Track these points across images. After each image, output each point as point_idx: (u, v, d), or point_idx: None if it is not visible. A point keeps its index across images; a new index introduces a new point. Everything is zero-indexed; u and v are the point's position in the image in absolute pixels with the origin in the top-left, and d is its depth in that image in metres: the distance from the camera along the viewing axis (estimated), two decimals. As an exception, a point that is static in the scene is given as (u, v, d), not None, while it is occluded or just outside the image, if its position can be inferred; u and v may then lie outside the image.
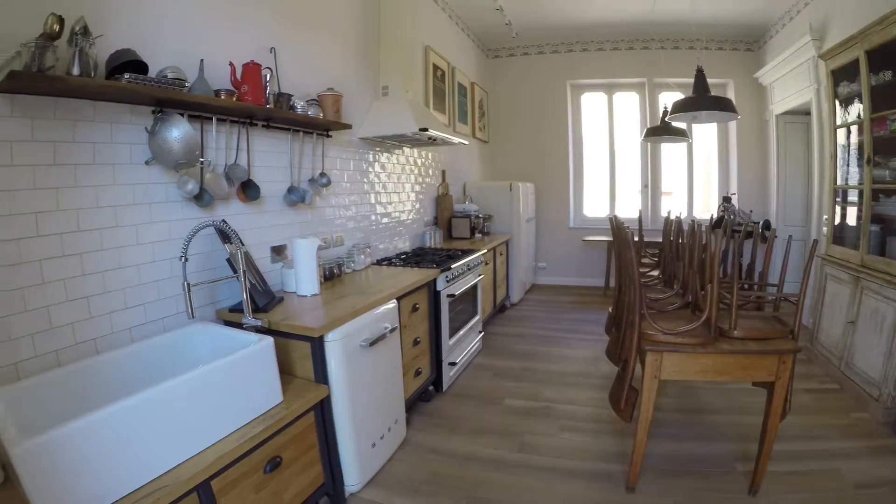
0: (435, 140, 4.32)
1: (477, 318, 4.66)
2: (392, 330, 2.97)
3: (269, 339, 2.17)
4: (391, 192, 4.57)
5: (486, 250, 4.91)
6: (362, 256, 3.82)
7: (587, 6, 5.92)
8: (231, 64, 2.71)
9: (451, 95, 5.67)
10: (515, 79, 7.46)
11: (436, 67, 5.24)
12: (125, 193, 2.24)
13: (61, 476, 1.41)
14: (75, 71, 1.79)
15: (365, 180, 4.15)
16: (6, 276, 1.79)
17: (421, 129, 3.82)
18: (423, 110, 4.37)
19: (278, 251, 3.25)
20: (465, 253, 4.47)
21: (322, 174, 3.53)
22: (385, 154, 4.46)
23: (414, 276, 3.50)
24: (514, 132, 7.54)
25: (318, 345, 2.46)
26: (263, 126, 3.07)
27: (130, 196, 2.27)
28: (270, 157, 3.17)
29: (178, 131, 2.31)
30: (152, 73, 2.18)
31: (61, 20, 1.68)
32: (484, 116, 7.13)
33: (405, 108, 3.97)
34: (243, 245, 2.61)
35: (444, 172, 5.73)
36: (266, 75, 2.93)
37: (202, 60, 2.51)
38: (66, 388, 1.85)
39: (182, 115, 2.40)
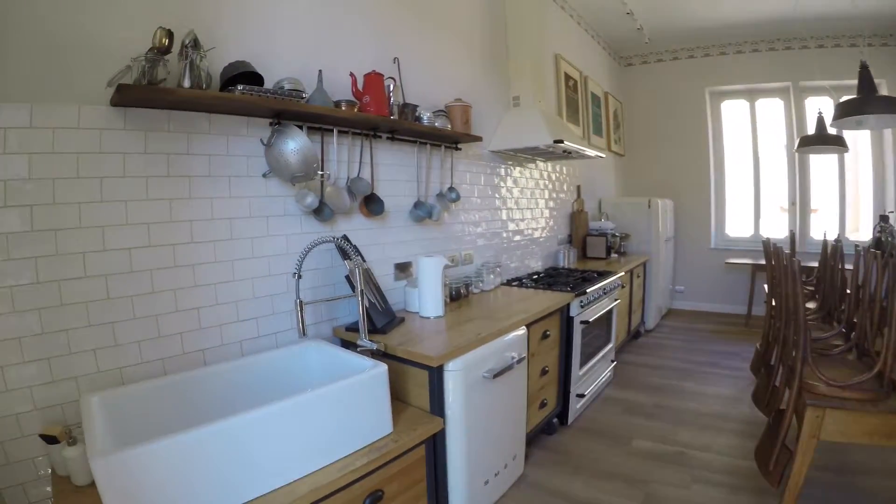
0: (570, 153, 3.89)
1: (610, 346, 4.09)
2: (520, 360, 2.58)
3: (383, 368, 1.88)
4: (524, 209, 4.20)
5: (623, 273, 4.35)
6: (492, 276, 3.47)
7: (719, 5, 5.12)
8: (351, 74, 2.52)
9: (584, 106, 5.20)
10: (650, 87, 6.76)
11: (567, 77, 4.80)
12: (241, 206, 2.14)
13: (140, 494, 1.28)
14: (186, 83, 1.74)
15: (496, 195, 3.81)
16: (118, 283, 1.75)
17: (555, 141, 3.42)
18: (556, 121, 3.98)
19: (402, 269, 2.99)
20: (602, 275, 3.97)
21: (451, 189, 3.24)
22: (517, 168, 4.10)
23: (546, 300, 3.09)
24: (650, 144, 6.83)
25: (436, 374, 2.15)
26: (388, 138, 2.85)
27: (246, 208, 2.17)
28: (395, 170, 2.93)
29: (295, 143, 2.15)
30: (268, 84, 2.09)
31: (170, 34, 1.64)
32: (619, 128, 6.54)
33: (538, 118, 3.59)
34: (364, 262, 2.40)
35: (578, 188, 5.24)
36: (389, 86, 2.70)
37: (320, 71, 2.35)
38: (171, 397, 1.78)
39: (300, 126, 2.26)
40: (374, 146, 2.77)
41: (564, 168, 4.92)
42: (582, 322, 3.36)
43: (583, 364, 3.48)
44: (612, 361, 4.16)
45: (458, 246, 3.42)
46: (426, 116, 2.92)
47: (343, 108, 2.39)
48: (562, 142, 3.44)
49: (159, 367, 1.87)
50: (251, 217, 2.19)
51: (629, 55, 6.76)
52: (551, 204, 4.70)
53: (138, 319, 1.81)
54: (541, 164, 4.46)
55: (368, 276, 2.61)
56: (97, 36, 1.69)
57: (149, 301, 1.84)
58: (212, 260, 2.04)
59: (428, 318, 2.74)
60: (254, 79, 1.97)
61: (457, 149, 3.29)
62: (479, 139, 3.23)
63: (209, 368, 1.95)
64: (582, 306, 3.35)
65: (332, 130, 2.47)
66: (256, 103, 1.95)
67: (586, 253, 5.13)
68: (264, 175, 2.20)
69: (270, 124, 2.17)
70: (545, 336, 3.01)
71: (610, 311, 3.95)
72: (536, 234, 4.42)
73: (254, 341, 2.21)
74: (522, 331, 2.67)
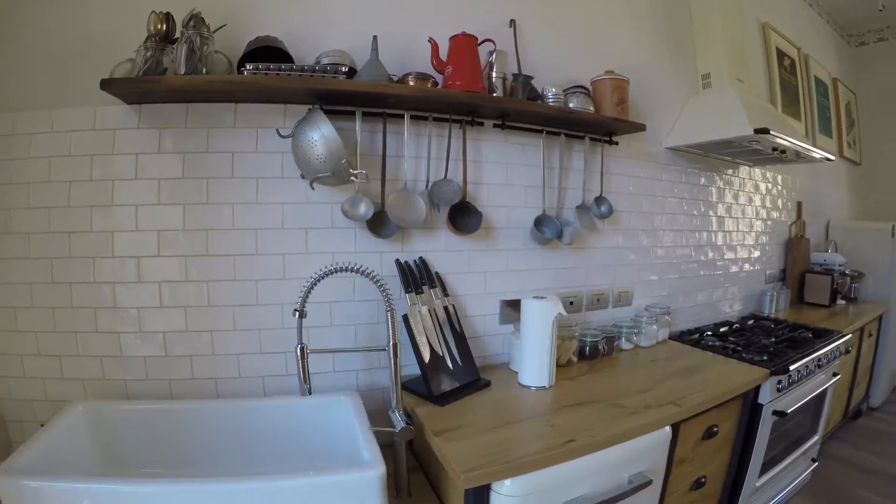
0: (783, 152, 2.49)
1: (813, 441, 2.56)
2: (645, 484, 1.45)
3: (375, 473, 1.12)
4: (716, 231, 2.80)
5: (850, 332, 2.72)
6: (654, 326, 2.26)
7: None
8: (431, 40, 1.71)
9: (805, 94, 3.53)
10: (893, 73, 4.51)
11: (781, 53, 3.27)
12: (272, 214, 1.62)
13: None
14: (182, 69, 1.37)
15: (674, 211, 2.55)
16: (125, 292, 1.53)
17: (757, 131, 2.11)
18: (761, 107, 2.59)
19: (514, 308, 1.97)
20: (819, 336, 2.50)
21: (600, 199, 2.15)
22: (709, 174, 2.74)
23: (723, 377, 1.88)
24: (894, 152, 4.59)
25: (472, 498, 1.24)
26: (496, 126, 1.89)
27: (279, 218, 1.62)
28: (508, 171, 1.99)
29: (317, 133, 1.48)
30: (309, 60, 1.59)
31: (168, 17, 1.41)
32: (853, 127, 4.51)
33: (734, 102, 2.29)
34: (446, 296, 1.80)
35: (799, 205, 3.57)
36: (491, 54, 1.77)
37: (375, 37, 1.60)
38: (169, 424, 1.46)
39: (351, 113, 1.61)
40: (474, 137, 1.86)
41: (779, 178, 3.35)
42: (775, 413, 2.03)
43: (765, 471, 2.12)
44: (813, 461, 2.61)
45: (608, 280, 2.27)
46: (551, 93, 1.91)
47: (411, 83, 1.61)
48: (767, 132, 2.11)
49: (165, 387, 1.57)
50: (283, 228, 1.62)
51: (861, 31, 4.56)
52: (759, 226, 3.15)
53: (145, 333, 1.55)
54: (745, 171, 3.01)
55: (444, 318, 1.78)
56: (107, 35, 1.46)
57: (155, 315, 1.55)
58: (229, 278, 1.58)
59: (528, 387, 1.75)
60: (280, 57, 1.48)
61: (610, 142, 2.17)
62: (641, 127, 2.09)
63: (216, 403, 1.54)
64: (780, 389, 2.02)
65: (402, 116, 1.68)
66: (264, 85, 1.42)
67: (803, 296, 3.48)
68: (303, 176, 1.59)
69: (309, 112, 1.52)
70: (710, 434, 1.76)
71: (823, 393, 2.46)
72: (734, 268, 2.96)
73: (280, 379, 1.66)
74: (664, 433, 1.54)
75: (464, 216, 1.85)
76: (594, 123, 2.03)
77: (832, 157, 2.75)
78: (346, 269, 1.37)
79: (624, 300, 2.33)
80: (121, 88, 1.37)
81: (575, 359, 2.01)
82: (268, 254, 1.61)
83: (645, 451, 1.49)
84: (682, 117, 2.48)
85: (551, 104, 1.90)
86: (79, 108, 1.47)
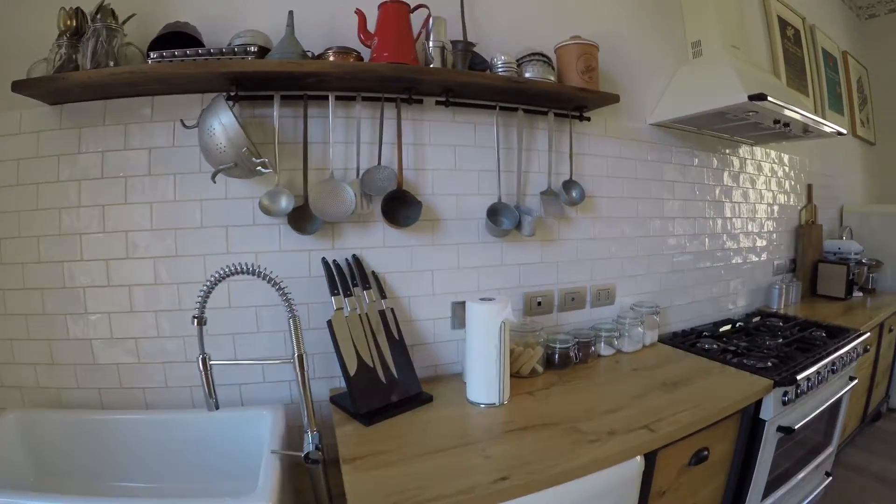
0: (787, 125, 2.08)
1: (827, 452, 2.15)
2: None
3: None
4: (713, 217, 2.38)
5: (869, 330, 2.30)
6: (640, 328, 1.89)
7: None
8: (358, 11, 1.45)
9: (812, 66, 3.12)
10: None
11: (783, 23, 2.85)
12: (190, 212, 1.43)
13: None
14: (88, 64, 1.25)
15: (662, 195, 2.14)
16: (53, 299, 1.39)
17: (753, 98, 1.73)
18: (759, 75, 2.20)
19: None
20: (834, 336, 2.10)
21: (571, 183, 1.80)
22: (703, 153, 2.32)
23: (719, 390, 1.52)
24: None
25: None
26: (439, 103, 1.57)
27: (196, 216, 1.44)
28: (455, 154, 1.66)
29: (216, 121, 1.25)
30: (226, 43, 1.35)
31: (77, 12, 1.28)
32: (866, 104, 4.02)
33: (727, 69, 1.90)
34: (384, 298, 1.54)
35: (809, 188, 3.10)
36: (428, 21, 1.47)
37: (291, 13, 1.38)
38: (96, 435, 1.34)
39: (269, 98, 1.41)
40: (414, 117, 1.60)
41: (786, 157, 2.91)
42: (781, 430, 1.67)
43: (770, 491, 1.73)
44: (827, 475, 2.19)
45: (584, 276, 1.91)
46: (501, 62, 1.58)
47: (331, 59, 1.37)
48: (764, 98, 1.72)
49: (96, 396, 1.43)
50: (203, 228, 1.44)
51: (871, 2, 4.00)
52: (764, 211, 2.71)
53: (73, 341, 1.41)
54: (746, 150, 2.59)
55: (378, 323, 1.50)
56: (30, 35, 1.34)
57: (82, 322, 1.41)
58: (151, 281, 1.42)
59: (476, 405, 1.42)
60: (191, 43, 1.31)
61: (581, 118, 1.82)
62: (613, 99, 1.74)
63: (140, 416, 1.39)
64: (786, 402, 1.63)
65: (326, 97, 1.44)
66: (168, 74, 1.25)
67: (816, 288, 3.04)
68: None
69: (227, 99, 1.31)
70: (699, 459, 1.39)
71: (838, 402, 2.05)
72: (737, 259, 2.54)
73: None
74: (633, 465, 1.18)
75: (403, 207, 1.54)
76: (556, 95, 1.69)
77: (844, 131, 2.34)
78: (242, 272, 1.09)
79: (605, 299, 1.97)
80: (30, 89, 1.26)
81: (541, 368, 1.67)
82: (188, 255, 1.42)
83: (608, 488, 1.15)
84: (669, 90, 2.11)
85: (501, 73, 1.58)
86: (6, 113, 1.36)
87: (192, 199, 1.42)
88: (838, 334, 2.15)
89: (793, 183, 2.93)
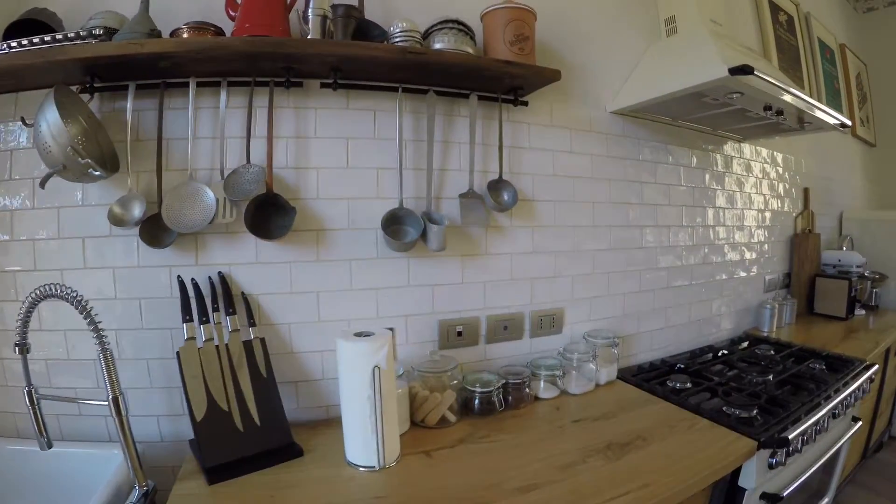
0: (780, 113, 1.61)
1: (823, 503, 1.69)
2: None
3: None
4: (693, 226, 1.88)
5: (876, 361, 1.82)
6: (592, 364, 1.44)
7: None
8: None
9: (808, 57, 2.65)
10: None
11: (775, 7, 2.35)
12: (47, 222, 1.13)
13: None
14: None
15: (628, 199, 1.67)
16: None
17: (735, 71, 1.25)
18: (743, 50, 1.71)
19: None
20: (835, 369, 1.65)
21: (500, 183, 1.35)
22: (680, 149, 1.83)
23: (683, 455, 1.05)
24: None
25: None
26: (325, 86, 1.15)
27: (54, 225, 1.13)
28: (348, 148, 1.25)
29: (42, 118, 0.97)
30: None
31: None
32: (866, 103, 3.49)
33: (705, 40, 1.45)
34: (253, 325, 1.17)
35: (805, 192, 2.58)
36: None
37: None
38: None
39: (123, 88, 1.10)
40: (297, 104, 1.21)
41: (780, 157, 2.40)
42: (765, 497, 1.21)
43: None
44: None
45: (521, 299, 1.45)
46: (399, 30, 1.14)
47: (185, 36, 1.06)
48: (749, 71, 1.25)
49: None
50: (61, 238, 1.14)
51: None
52: (753, 218, 2.19)
53: None
54: (733, 147, 2.09)
55: (240, 357, 1.13)
56: None
57: None
58: (12, 298, 1.13)
59: (355, 466, 1.02)
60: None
61: (515, 103, 1.37)
62: (552, 76, 1.29)
63: None
64: (773, 465, 1.18)
65: (186, 84, 1.12)
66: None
67: (813, 305, 2.52)
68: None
69: (83, 91, 1.08)
70: None
71: (837, 453, 1.58)
72: (721, 275, 2.02)
73: (73, 420, 1.15)
74: None
75: (278, 215, 1.14)
76: (474, 71, 1.24)
77: (848, 122, 1.85)
78: (48, 295, 0.85)
79: (549, 326, 1.51)
80: None
81: (453, 418, 1.23)
82: (46, 269, 1.13)
83: None
84: (637, 73, 1.65)
85: (399, 44, 1.15)
86: None
87: (49, 206, 1.12)
88: (840, 367, 1.68)
89: (787, 186, 2.44)
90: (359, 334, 1.02)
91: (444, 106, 1.33)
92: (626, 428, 1.21)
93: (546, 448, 1.11)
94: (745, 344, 1.98)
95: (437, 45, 1.21)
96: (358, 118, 1.25)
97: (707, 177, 1.93)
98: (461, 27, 1.24)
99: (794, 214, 2.48)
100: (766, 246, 2.27)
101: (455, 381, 1.26)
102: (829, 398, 1.44)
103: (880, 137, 3.56)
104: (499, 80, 1.30)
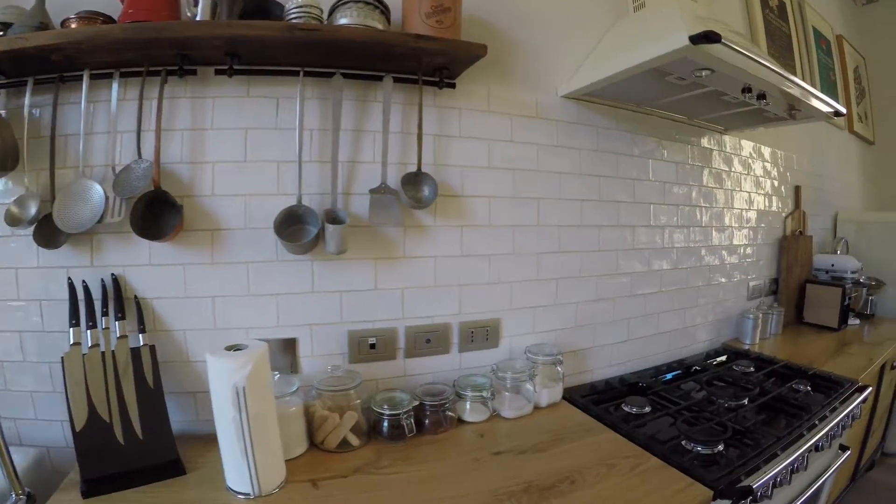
0: (763, 100, 1.31)
1: None
2: None
3: None
4: (663, 226, 1.61)
5: (871, 382, 1.56)
6: (529, 384, 1.19)
7: None
8: None
9: (801, 45, 2.35)
10: None
11: None
12: None
13: None
14: None
15: (582, 195, 1.39)
16: None
17: (697, 40, 0.98)
18: (710, 20, 1.28)
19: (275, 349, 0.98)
20: (821, 389, 1.40)
21: (419, 176, 1.11)
22: (649, 140, 1.55)
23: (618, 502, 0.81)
24: None
25: None
26: (221, 72, 0.96)
27: None
28: (247, 140, 1.05)
29: None
30: None
31: None
32: (864, 98, 3.15)
33: (670, 12, 1.15)
34: (144, 331, 1.01)
35: (797, 191, 2.27)
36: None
37: None
38: None
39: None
40: (194, 94, 1.04)
41: (767, 152, 2.09)
42: None
43: None
44: None
45: (449, 308, 1.22)
46: (294, 5, 0.94)
47: (73, 27, 0.93)
48: (715, 39, 0.97)
49: None
50: None
51: None
52: (735, 219, 1.90)
53: None
54: (713, 140, 1.80)
55: (126, 365, 0.98)
56: None
57: None
58: None
59: (234, 493, 0.85)
60: None
61: (440, 85, 1.13)
62: (477, 52, 1.05)
63: None
64: None
65: (80, 76, 0.99)
66: None
67: (802, 314, 2.22)
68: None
69: None
70: None
71: (820, 486, 1.32)
72: (697, 282, 1.74)
73: None
74: None
75: (170, 213, 0.98)
76: (383, 49, 1.02)
77: (843, 110, 1.57)
78: None
79: (482, 340, 1.26)
80: None
81: (355, 441, 1.02)
82: None
83: None
84: (596, 52, 1.39)
85: (293, 20, 0.93)
86: None
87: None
88: (829, 389, 1.42)
89: (776, 184, 2.15)
90: (231, 347, 0.84)
91: (357, 91, 1.11)
92: (555, 465, 0.97)
93: (451, 486, 0.89)
94: (723, 359, 1.72)
95: (341, 21, 0.99)
96: (259, 107, 1.06)
97: (680, 171, 1.66)
98: (371, 1, 1.01)
99: (784, 215, 2.20)
100: (750, 249, 1.99)
101: (359, 401, 1.04)
102: (813, 428, 1.19)
103: (879, 135, 3.24)
104: (415, 58, 1.07)
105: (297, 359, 1.10)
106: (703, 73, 1.17)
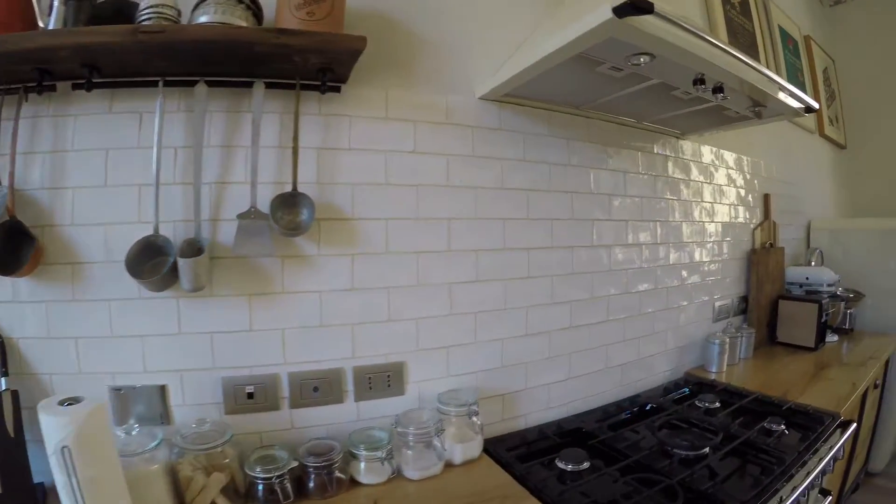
0: (721, 94, 1.07)
1: None
2: None
3: None
4: (610, 245, 1.36)
5: (850, 408, 1.34)
6: (437, 440, 0.96)
7: None
8: None
9: (767, 43, 2.15)
10: (879, 38, 2.87)
11: None
12: None
13: None
14: None
15: (507, 213, 1.16)
16: None
17: (620, 11, 0.74)
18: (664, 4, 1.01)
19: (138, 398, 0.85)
20: (799, 425, 1.18)
21: (293, 197, 0.90)
22: (590, 147, 1.32)
23: None
24: (888, 132, 2.89)
25: None
26: (78, 87, 0.81)
27: None
28: (107, 161, 0.86)
29: None
30: None
31: None
32: (834, 100, 2.94)
33: None
34: (5, 374, 0.84)
35: (766, 199, 2.04)
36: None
37: None
38: None
39: None
40: (55, 112, 0.86)
41: (730, 158, 1.85)
42: None
43: None
44: None
45: (340, 351, 0.99)
46: (145, 6, 0.77)
47: None
48: (645, 8, 0.74)
49: None
50: None
51: None
52: (696, 233, 1.67)
53: None
54: (668, 145, 1.57)
55: None
56: None
57: None
58: None
59: None
60: None
61: (324, 90, 0.91)
62: (356, 45, 0.83)
63: None
64: None
65: None
66: None
67: (776, 334, 1.97)
68: None
69: None
70: None
71: None
72: (653, 305, 1.50)
73: None
74: None
75: (28, 244, 0.75)
76: (240, 49, 0.83)
77: (814, 104, 1.31)
78: None
79: (383, 386, 1.03)
80: None
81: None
82: None
83: None
84: (524, 48, 1.17)
85: (146, 24, 0.75)
86: None
87: None
88: (807, 427, 1.20)
89: (742, 192, 1.94)
90: (66, 401, 0.67)
91: (228, 101, 0.92)
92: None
93: None
94: (686, 391, 1.49)
95: (201, 20, 0.82)
96: (121, 124, 0.88)
97: (630, 182, 1.44)
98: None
99: (752, 226, 1.98)
100: (714, 265, 1.77)
101: (227, 460, 0.85)
102: (790, 478, 0.96)
103: (851, 138, 3.04)
104: (287, 59, 0.87)
105: (169, 408, 0.90)
106: (642, 59, 0.94)
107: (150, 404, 0.90)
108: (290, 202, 0.91)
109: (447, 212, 1.07)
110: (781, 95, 1.23)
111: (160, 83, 0.85)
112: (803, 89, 2.38)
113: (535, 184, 1.20)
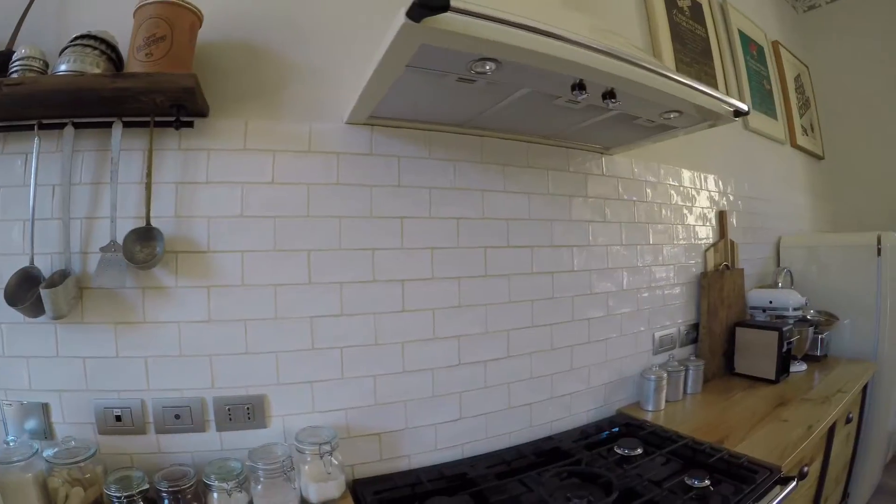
0: (612, 99, 1.06)
1: None
2: None
3: None
4: (508, 275, 1.45)
5: (795, 462, 1.31)
6: (283, 478, 1.05)
7: None
8: None
9: (725, 50, 2.25)
10: (855, 44, 3.01)
11: None
12: None
13: None
14: None
15: (378, 243, 1.27)
16: None
17: (415, 13, 0.72)
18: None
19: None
20: (735, 477, 1.20)
21: (145, 231, 1.05)
22: (480, 168, 1.41)
23: None
24: (868, 141, 3.00)
25: None
26: None
27: None
28: (2, 200, 1.07)
29: None
30: None
31: None
32: (808, 108, 3.00)
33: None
34: None
35: (721, 217, 2.12)
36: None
37: None
38: None
39: None
40: None
41: (675, 174, 1.94)
42: None
43: None
44: None
45: (196, 381, 1.12)
46: (17, 58, 1.02)
47: None
48: (439, 6, 0.70)
49: None
50: None
51: None
52: (628, 257, 1.75)
53: None
54: (591, 162, 1.66)
55: None
56: None
57: None
58: None
59: None
60: None
61: (177, 126, 1.07)
62: (184, 82, 0.98)
63: None
64: None
65: None
66: None
67: (733, 365, 2.01)
68: None
69: None
70: None
71: None
72: (568, 339, 1.58)
73: None
74: None
75: None
76: (85, 96, 1.00)
77: (743, 107, 1.28)
78: None
79: (244, 418, 1.13)
80: None
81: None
82: None
83: None
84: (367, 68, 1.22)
85: (10, 78, 0.98)
86: None
87: None
88: (739, 482, 1.18)
89: (691, 211, 2.01)
90: None
91: (97, 140, 1.09)
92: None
93: None
94: (606, 435, 1.49)
95: (61, 68, 0.99)
96: (12, 163, 1.07)
97: (537, 204, 1.53)
98: (95, 42, 1.01)
99: (705, 247, 2.06)
100: (652, 292, 1.82)
101: (88, 476, 0.99)
102: None
103: (829, 148, 3.10)
104: (134, 99, 1.02)
105: (51, 425, 1.07)
106: (487, 66, 0.90)
107: (38, 420, 1.07)
108: (145, 236, 1.05)
109: (307, 243, 1.17)
110: (701, 100, 1.17)
111: (35, 126, 1.03)
112: (770, 97, 2.48)
113: (412, 210, 1.29)
